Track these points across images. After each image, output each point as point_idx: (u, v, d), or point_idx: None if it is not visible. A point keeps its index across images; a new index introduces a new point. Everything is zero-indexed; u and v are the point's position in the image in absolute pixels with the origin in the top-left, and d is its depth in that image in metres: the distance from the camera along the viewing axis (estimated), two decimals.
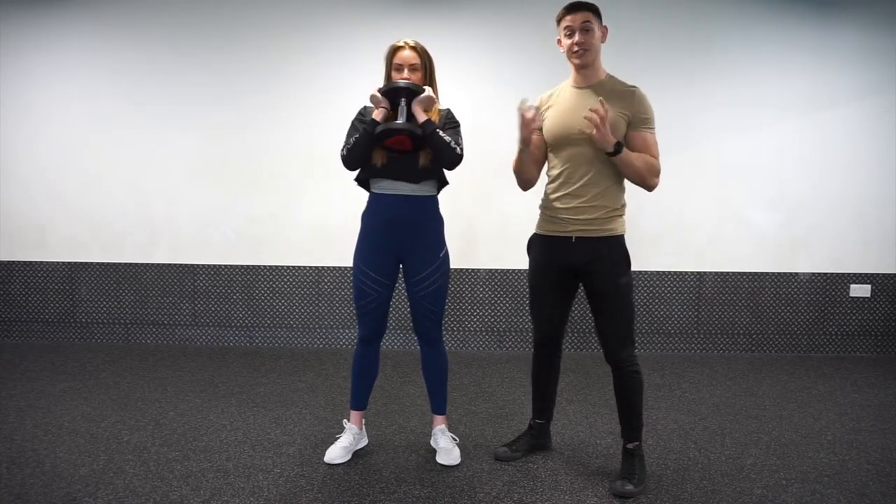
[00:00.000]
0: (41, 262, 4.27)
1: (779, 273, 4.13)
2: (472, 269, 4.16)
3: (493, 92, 4.05)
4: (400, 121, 2.32)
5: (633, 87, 2.32)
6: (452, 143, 2.37)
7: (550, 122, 2.39)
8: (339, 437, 2.59)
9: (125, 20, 4.10)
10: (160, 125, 4.15)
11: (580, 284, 2.44)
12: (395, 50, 2.42)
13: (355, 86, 3.58)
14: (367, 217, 2.51)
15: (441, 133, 2.35)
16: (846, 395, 3.38)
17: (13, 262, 4.28)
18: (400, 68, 2.40)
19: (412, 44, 2.41)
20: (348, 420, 2.61)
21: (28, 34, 4.14)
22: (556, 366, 2.59)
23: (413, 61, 2.40)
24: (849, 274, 4.13)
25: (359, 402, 2.60)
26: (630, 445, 2.37)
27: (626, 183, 2.37)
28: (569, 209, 2.34)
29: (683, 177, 4.05)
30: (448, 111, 2.50)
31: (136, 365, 3.78)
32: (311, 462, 2.51)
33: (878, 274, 4.12)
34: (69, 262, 4.26)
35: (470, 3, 4.03)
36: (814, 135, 4.06)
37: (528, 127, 2.29)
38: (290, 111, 4.12)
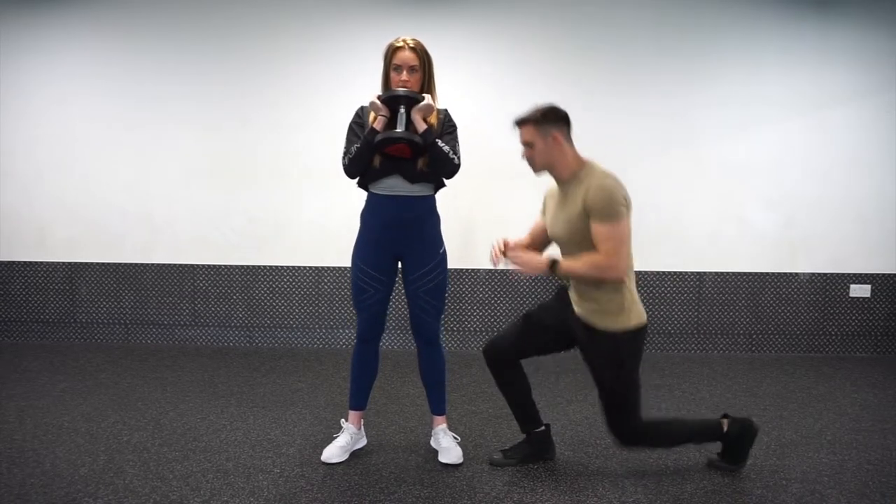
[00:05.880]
0: (41, 262, 4.27)
1: (779, 273, 4.13)
2: (472, 269, 4.16)
3: (493, 92, 4.05)
4: (399, 129, 2.32)
5: (594, 175, 2.24)
6: (451, 154, 2.39)
7: (549, 223, 2.46)
8: (336, 437, 2.59)
9: (125, 20, 4.10)
10: (160, 125, 4.15)
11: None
12: (394, 50, 2.40)
13: (356, 86, 3.59)
14: (365, 216, 2.51)
15: (440, 144, 2.36)
16: (846, 395, 3.38)
17: (13, 262, 4.28)
18: (399, 69, 2.38)
19: (412, 44, 2.39)
20: (346, 420, 2.61)
21: (27, 34, 4.13)
22: (521, 375, 2.54)
23: (412, 62, 2.38)
24: (849, 274, 4.13)
25: (358, 401, 2.59)
26: None
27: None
28: (571, 294, 2.39)
29: (683, 177, 4.06)
30: (446, 112, 2.50)
31: (136, 365, 3.78)
32: (311, 462, 2.51)
33: (878, 274, 4.12)
34: (69, 262, 4.26)
35: (470, 5, 4.03)
36: (814, 135, 4.06)
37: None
38: (290, 111, 4.12)
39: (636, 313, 2.30)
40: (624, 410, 2.31)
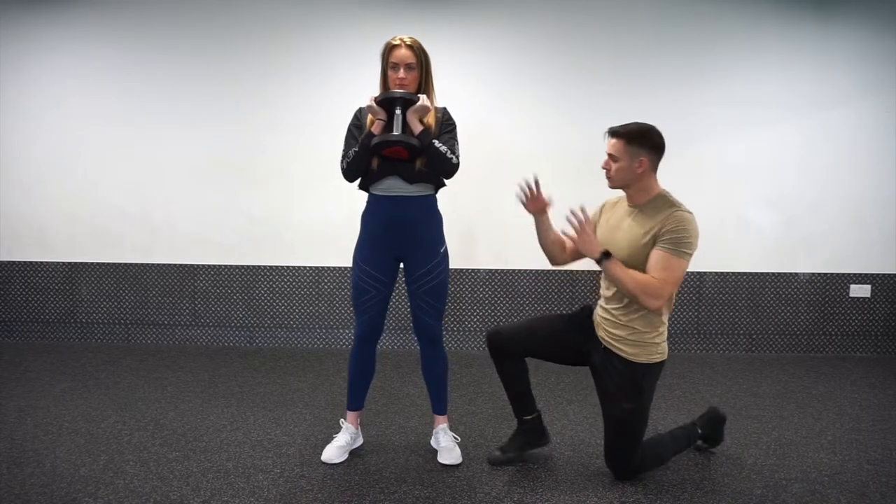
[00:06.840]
0: (41, 263, 4.27)
1: (779, 273, 4.13)
2: (472, 269, 4.16)
3: (494, 90, 4.05)
4: (396, 131, 2.32)
5: (676, 206, 2.29)
6: (448, 154, 2.38)
7: (600, 235, 2.41)
8: (335, 437, 2.59)
9: (124, 19, 4.09)
10: (160, 125, 4.15)
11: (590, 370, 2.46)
12: (391, 48, 2.40)
13: (356, 85, 3.58)
14: (366, 217, 2.52)
15: (437, 144, 2.36)
16: (846, 395, 3.38)
17: (13, 262, 4.27)
18: (396, 67, 2.38)
19: (408, 42, 2.39)
20: (345, 419, 2.62)
21: (26, 34, 4.13)
22: (522, 366, 2.53)
23: (409, 60, 2.38)
24: (849, 274, 4.13)
25: (357, 402, 2.60)
26: None
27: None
28: (601, 316, 2.39)
29: (683, 177, 4.02)
30: (444, 111, 2.49)
31: (136, 365, 3.78)
32: (311, 462, 2.51)
33: (878, 274, 4.12)
34: (69, 263, 4.26)
35: (471, 3, 4.03)
36: (814, 135, 4.06)
37: (531, 203, 2.40)
38: (290, 111, 4.12)
39: (662, 349, 2.33)
40: (629, 442, 2.32)
